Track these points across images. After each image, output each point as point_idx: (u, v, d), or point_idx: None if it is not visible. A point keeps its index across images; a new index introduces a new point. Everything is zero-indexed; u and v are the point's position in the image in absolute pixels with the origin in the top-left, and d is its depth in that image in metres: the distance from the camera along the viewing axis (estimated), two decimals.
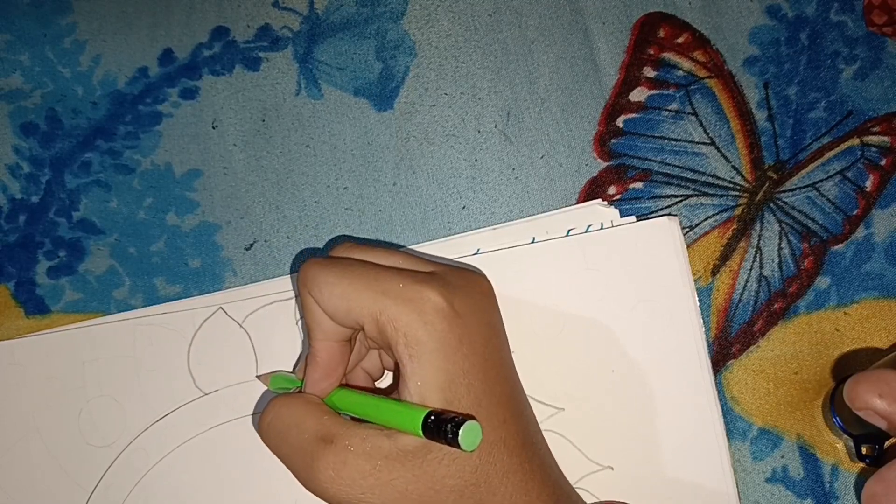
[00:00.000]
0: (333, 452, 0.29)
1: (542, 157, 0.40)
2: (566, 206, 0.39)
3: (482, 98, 0.40)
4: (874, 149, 0.39)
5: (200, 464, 0.37)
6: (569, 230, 0.38)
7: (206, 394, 0.38)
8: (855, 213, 0.39)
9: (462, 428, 0.26)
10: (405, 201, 0.40)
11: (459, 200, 0.40)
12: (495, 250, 0.38)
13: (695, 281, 0.39)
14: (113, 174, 0.40)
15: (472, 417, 0.27)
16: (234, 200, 0.40)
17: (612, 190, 0.39)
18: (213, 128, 0.41)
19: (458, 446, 0.26)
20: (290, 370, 0.37)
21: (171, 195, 0.40)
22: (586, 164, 0.40)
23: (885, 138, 0.39)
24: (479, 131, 0.40)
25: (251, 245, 0.40)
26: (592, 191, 0.39)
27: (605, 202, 0.39)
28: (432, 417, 0.27)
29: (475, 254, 0.38)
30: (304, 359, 0.33)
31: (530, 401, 0.34)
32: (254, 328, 0.38)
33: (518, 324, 0.37)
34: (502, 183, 0.40)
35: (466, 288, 0.31)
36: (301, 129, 0.41)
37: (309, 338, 0.32)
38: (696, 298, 0.37)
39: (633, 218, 0.38)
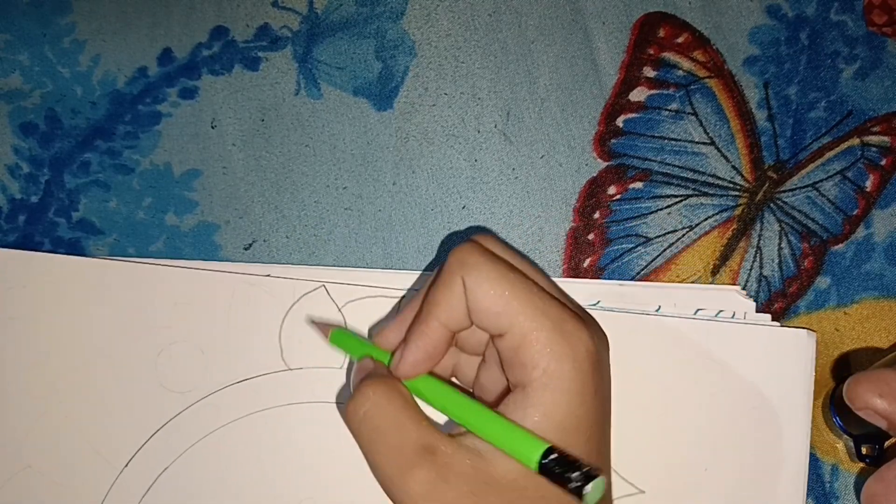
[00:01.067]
0: (435, 467, 0.27)
1: (541, 157, 0.40)
2: (566, 206, 0.39)
3: (482, 98, 0.40)
4: (874, 149, 0.39)
5: (269, 438, 0.36)
6: (697, 309, 0.37)
7: (291, 369, 0.37)
8: (855, 213, 0.39)
9: (593, 481, 0.24)
10: (405, 201, 0.40)
11: (459, 200, 0.40)
12: (618, 310, 0.37)
13: (694, 281, 0.38)
14: (112, 174, 0.40)
15: (598, 469, 0.25)
16: (234, 200, 0.40)
17: (611, 190, 0.39)
18: (213, 128, 0.41)
19: (579, 497, 0.24)
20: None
21: (170, 195, 0.40)
22: (586, 164, 0.40)
23: (885, 138, 0.39)
24: (478, 131, 0.40)
25: (250, 245, 0.40)
26: (592, 191, 0.39)
27: (745, 293, 0.37)
28: (554, 455, 0.25)
29: (594, 305, 0.37)
30: (391, 328, 0.31)
31: (612, 476, 0.33)
32: (352, 315, 0.37)
33: (622, 391, 0.35)
34: (502, 183, 0.40)
35: (604, 340, 0.30)
36: (300, 128, 0.41)
37: (421, 316, 0.29)
38: (810, 422, 0.35)
39: (767, 317, 0.37)
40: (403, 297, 0.37)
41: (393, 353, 0.30)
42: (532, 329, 0.27)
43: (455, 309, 0.28)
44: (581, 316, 0.28)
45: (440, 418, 0.30)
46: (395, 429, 0.28)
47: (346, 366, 0.37)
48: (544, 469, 0.25)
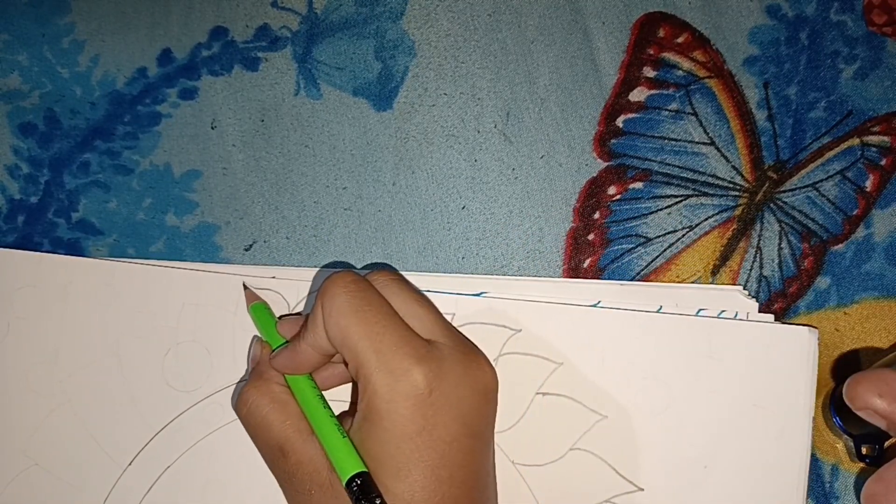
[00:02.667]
0: (284, 465, 0.31)
1: (541, 158, 0.40)
2: (566, 206, 0.39)
3: (481, 98, 0.40)
4: (874, 149, 0.39)
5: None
6: (699, 310, 0.37)
7: None
8: (855, 213, 0.39)
9: None
10: (404, 201, 0.40)
11: (459, 200, 0.40)
12: (619, 308, 0.37)
13: (694, 281, 0.38)
14: (112, 175, 0.40)
15: None
16: (234, 201, 0.40)
17: (611, 190, 0.39)
18: (212, 128, 0.41)
19: None
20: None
21: (170, 196, 0.40)
22: (586, 164, 0.40)
23: (885, 138, 0.39)
24: (478, 131, 0.40)
25: (250, 246, 0.40)
26: (592, 191, 0.39)
27: (747, 293, 0.37)
28: (358, 482, 0.28)
29: (595, 305, 0.37)
30: (292, 322, 0.35)
31: (609, 471, 0.34)
32: None
33: (622, 390, 0.36)
34: (502, 183, 0.40)
35: (460, 378, 0.30)
36: (300, 129, 0.41)
37: (301, 335, 0.33)
38: (812, 420, 0.35)
39: (770, 316, 0.37)
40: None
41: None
42: (360, 364, 0.30)
43: (320, 335, 0.31)
44: (423, 352, 0.30)
45: None
46: (263, 428, 0.32)
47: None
48: (348, 488, 0.29)
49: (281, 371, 0.33)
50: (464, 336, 0.32)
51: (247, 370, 0.37)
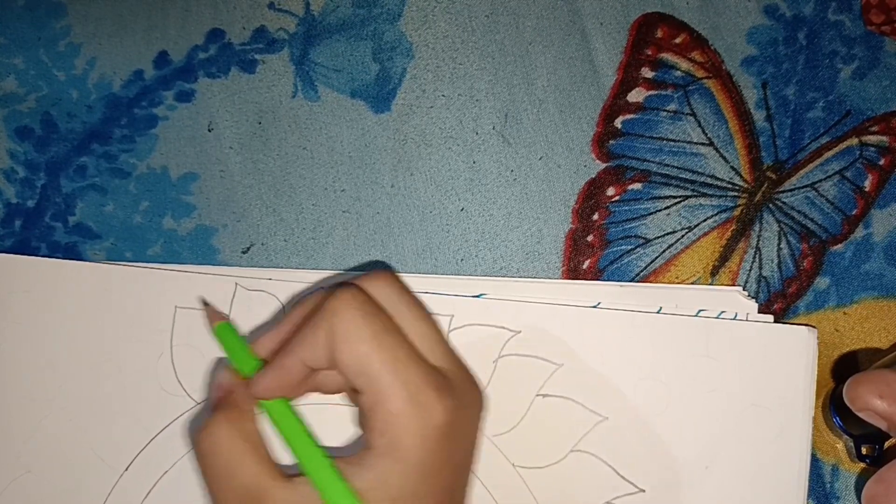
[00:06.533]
0: None
1: (540, 159, 0.40)
2: (565, 207, 0.39)
3: (480, 99, 0.40)
4: (873, 148, 0.39)
5: (271, 440, 0.36)
6: (699, 310, 0.37)
7: None
8: (854, 213, 0.39)
9: None
10: (403, 203, 0.40)
11: (458, 202, 0.40)
12: (619, 309, 0.37)
13: (694, 282, 0.38)
14: (109, 178, 0.40)
15: None
16: (231, 203, 0.40)
17: (610, 191, 0.39)
18: (210, 130, 0.41)
19: None
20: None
21: (167, 199, 0.40)
22: (585, 166, 0.40)
23: (884, 138, 0.39)
24: (476, 133, 0.40)
25: (248, 248, 0.40)
26: (591, 192, 0.39)
27: (746, 293, 0.37)
28: None
29: (595, 306, 0.37)
30: (268, 337, 0.31)
31: (610, 472, 0.34)
32: None
33: (623, 391, 0.36)
34: (501, 185, 0.40)
35: (470, 409, 0.30)
36: (298, 131, 0.40)
37: (286, 347, 0.30)
38: (812, 419, 0.35)
39: (769, 317, 0.37)
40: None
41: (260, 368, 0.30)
42: (386, 396, 0.27)
43: (317, 353, 0.28)
44: (441, 383, 0.28)
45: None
46: (229, 470, 0.28)
47: None
48: None
49: (266, 396, 0.30)
50: (463, 360, 0.31)
51: (206, 399, 0.36)
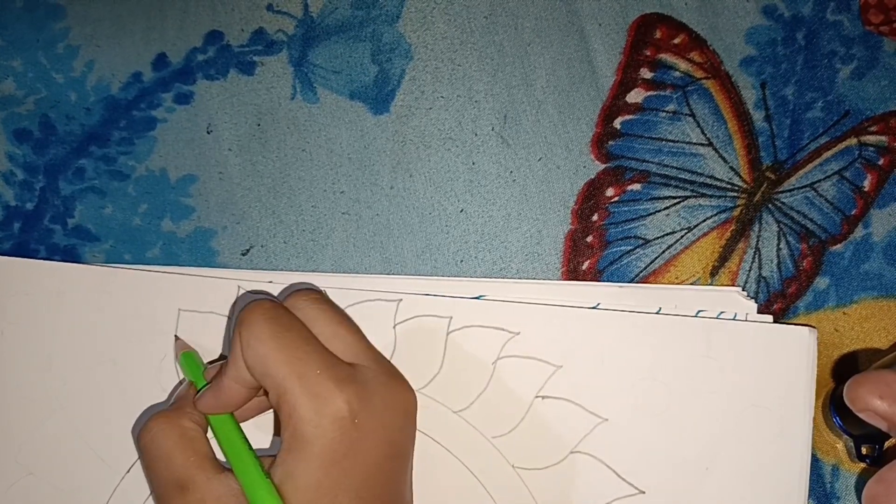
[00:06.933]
0: (181, 502, 0.29)
1: (539, 160, 0.40)
2: (564, 208, 0.39)
3: (479, 101, 0.40)
4: (872, 148, 0.39)
5: (266, 439, 0.36)
6: (698, 311, 0.37)
7: None
8: (853, 213, 0.39)
9: None
10: (402, 205, 0.40)
11: (457, 204, 0.40)
12: (619, 310, 0.37)
13: (693, 282, 0.38)
14: (107, 180, 0.40)
15: None
16: (230, 206, 0.40)
17: (610, 192, 0.39)
18: (208, 133, 0.41)
19: None
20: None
21: (166, 201, 0.40)
22: (584, 167, 0.40)
23: (883, 138, 0.39)
24: (475, 134, 0.40)
25: (247, 250, 0.39)
26: (590, 193, 0.39)
27: (746, 294, 0.37)
28: None
29: (594, 307, 0.37)
30: (216, 366, 0.33)
31: (609, 474, 0.34)
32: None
33: (622, 392, 0.36)
34: (500, 186, 0.40)
35: (385, 400, 0.30)
36: (297, 133, 0.40)
37: (222, 371, 0.31)
38: (812, 419, 0.35)
39: (769, 317, 0.37)
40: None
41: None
42: (285, 390, 0.29)
43: (239, 367, 0.30)
44: (346, 375, 0.29)
45: None
46: (163, 461, 0.30)
47: None
48: None
49: (207, 411, 0.32)
50: (385, 358, 0.32)
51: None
